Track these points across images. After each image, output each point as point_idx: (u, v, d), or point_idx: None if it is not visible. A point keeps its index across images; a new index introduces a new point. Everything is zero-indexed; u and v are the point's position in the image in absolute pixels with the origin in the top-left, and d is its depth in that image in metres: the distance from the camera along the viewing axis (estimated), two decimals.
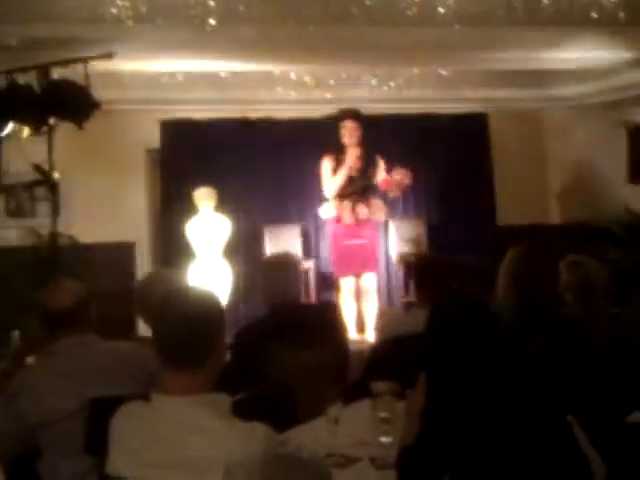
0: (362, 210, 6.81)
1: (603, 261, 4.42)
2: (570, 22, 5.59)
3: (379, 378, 2.75)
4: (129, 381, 2.82)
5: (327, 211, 6.89)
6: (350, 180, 6.79)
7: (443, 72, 8.09)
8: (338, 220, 6.81)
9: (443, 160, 8.35)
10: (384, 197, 7.12)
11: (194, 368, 1.99)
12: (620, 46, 6.19)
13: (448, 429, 2.15)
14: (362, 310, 6.94)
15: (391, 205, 7.51)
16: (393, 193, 7.00)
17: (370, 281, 6.91)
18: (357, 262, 6.80)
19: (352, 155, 6.76)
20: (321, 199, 7.06)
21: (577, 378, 3.14)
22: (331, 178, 6.78)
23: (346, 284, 6.83)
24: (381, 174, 6.91)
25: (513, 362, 2.31)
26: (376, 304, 6.97)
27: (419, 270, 4.00)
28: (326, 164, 6.84)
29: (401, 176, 6.79)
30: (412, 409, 2.35)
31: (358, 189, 6.83)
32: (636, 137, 7.41)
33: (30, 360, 3.18)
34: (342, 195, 6.80)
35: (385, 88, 8.21)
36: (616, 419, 3.01)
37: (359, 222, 6.80)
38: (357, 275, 6.87)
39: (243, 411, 2.06)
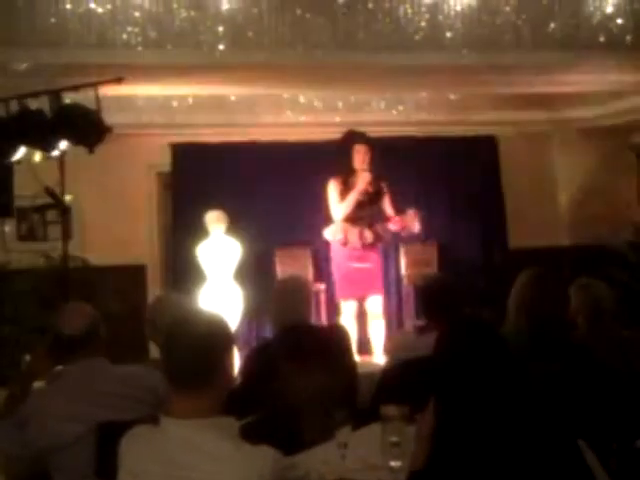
0: (369, 235, 6.78)
1: (613, 284, 4.41)
2: (578, 46, 5.61)
3: (389, 402, 2.74)
4: (138, 405, 2.82)
5: (333, 233, 6.85)
6: (359, 205, 6.75)
7: (451, 96, 8.12)
8: (345, 243, 6.77)
9: (453, 183, 8.37)
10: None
11: (202, 391, 1.99)
12: (628, 69, 6.20)
13: (457, 453, 2.14)
14: (367, 333, 6.92)
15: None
16: (405, 233, 7.02)
17: (376, 304, 6.88)
18: (360, 286, 6.77)
19: (364, 180, 6.72)
20: (328, 221, 7.04)
21: (588, 402, 3.13)
22: (339, 202, 6.74)
23: (347, 307, 6.80)
24: (385, 202, 6.92)
25: (523, 386, 2.31)
26: (383, 327, 6.94)
27: (425, 291, 4.00)
28: (333, 187, 6.79)
29: (411, 219, 6.80)
30: (422, 433, 2.34)
31: (367, 215, 6.81)
32: None
33: (38, 384, 3.18)
34: (351, 219, 6.76)
35: (394, 112, 8.24)
36: (627, 443, 3.00)
37: (364, 246, 6.78)
38: (361, 298, 6.84)
39: (251, 434, 2.07)
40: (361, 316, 6.91)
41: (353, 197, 6.69)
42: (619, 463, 2.81)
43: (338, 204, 6.74)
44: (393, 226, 6.90)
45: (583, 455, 2.23)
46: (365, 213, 6.80)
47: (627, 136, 8.26)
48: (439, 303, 3.85)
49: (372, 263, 6.87)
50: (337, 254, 6.89)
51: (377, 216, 6.92)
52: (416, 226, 6.86)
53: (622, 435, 3.05)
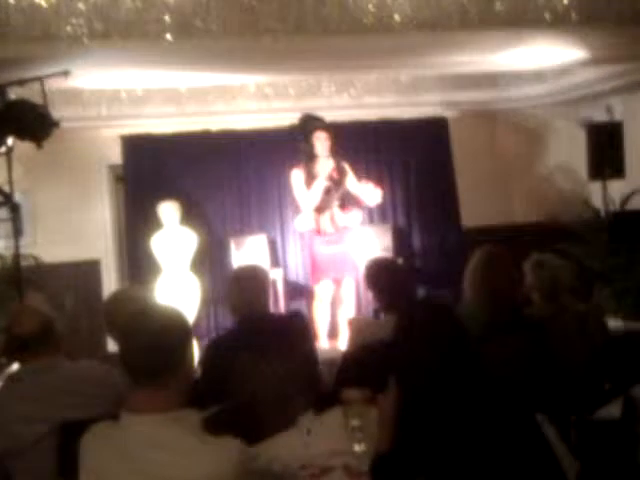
0: (341, 218, 6.76)
1: (567, 259, 4.48)
2: (524, 24, 5.63)
3: (350, 385, 2.75)
4: (98, 402, 2.80)
5: (304, 223, 6.78)
6: (327, 191, 6.70)
7: (401, 77, 8.14)
8: (318, 232, 6.72)
9: (405, 165, 8.39)
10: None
11: (162, 386, 1.98)
12: (574, 46, 6.26)
13: (420, 434, 2.16)
14: (337, 317, 6.93)
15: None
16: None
17: (348, 288, 6.87)
18: (335, 268, 6.74)
19: (327, 166, 6.67)
20: (289, 209, 6.99)
21: (545, 376, 3.18)
22: (306, 191, 6.65)
23: (322, 290, 6.75)
24: (351, 181, 6.89)
25: (481, 364, 2.33)
26: (352, 311, 6.94)
27: (369, 274, 4.02)
28: (297, 176, 6.72)
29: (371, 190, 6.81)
30: (385, 415, 2.35)
31: (336, 199, 6.78)
32: (594, 135, 7.49)
33: None
34: (321, 207, 6.71)
35: (345, 95, 8.23)
36: (585, 415, 3.05)
37: (337, 229, 6.76)
38: (336, 282, 6.81)
39: (214, 426, 2.06)
40: (335, 301, 6.90)
41: (319, 187, 6.62)
42: (579, 436, 2.86)
43: (305, 194, 6.66)
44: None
45: (542, 430, 2.26)
46: (333, 197, 6.76)
47: (575, 112, 8.35)
48: (385, 286, 3.88)
49: (346, 245, 6.85)
50: (311, 243, 6.85)
51: (346, 196, 6.90)
52: (372, 198, 6.85)
53: (581, 408, 3.11)
